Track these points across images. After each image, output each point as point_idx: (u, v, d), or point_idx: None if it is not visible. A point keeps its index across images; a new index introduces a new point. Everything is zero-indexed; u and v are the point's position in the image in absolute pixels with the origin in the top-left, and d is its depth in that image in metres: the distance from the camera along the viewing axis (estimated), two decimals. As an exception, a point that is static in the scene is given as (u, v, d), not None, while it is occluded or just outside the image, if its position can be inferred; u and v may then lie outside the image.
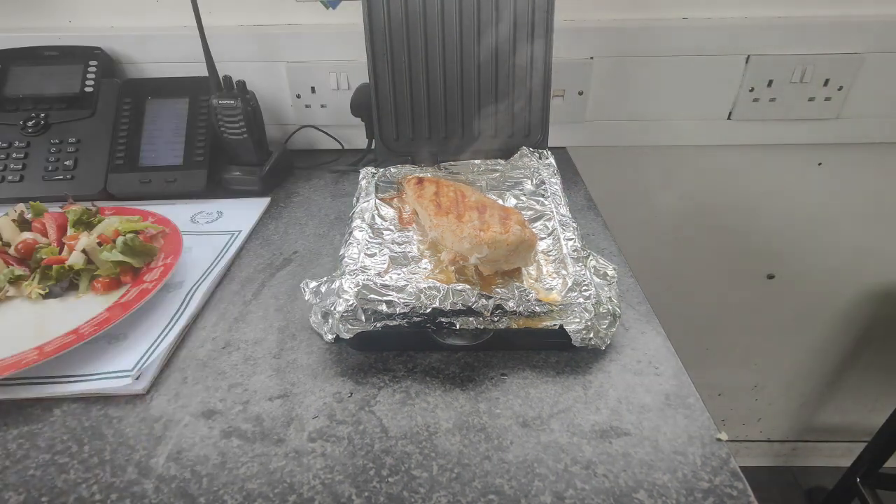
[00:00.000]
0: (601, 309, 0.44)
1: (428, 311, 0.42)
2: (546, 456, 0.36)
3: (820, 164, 0.90)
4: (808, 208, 0.96)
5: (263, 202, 0.71)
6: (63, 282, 0.52)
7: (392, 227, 0.55)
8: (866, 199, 0.94)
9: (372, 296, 0.43)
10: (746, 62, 0.79)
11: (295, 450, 0.37)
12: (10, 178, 0.71)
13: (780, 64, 0.79)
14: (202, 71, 0.68)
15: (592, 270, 0.48)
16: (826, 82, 0.80)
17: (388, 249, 0.51)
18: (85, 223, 0.59)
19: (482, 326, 0.43)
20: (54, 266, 0.52)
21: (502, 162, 0.68)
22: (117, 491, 0.35)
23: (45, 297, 0.52)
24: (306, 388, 0.42)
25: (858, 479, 1.13)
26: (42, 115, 0.74)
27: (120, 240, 0.53)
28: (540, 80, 0.68)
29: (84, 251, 0.53)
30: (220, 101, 0.69)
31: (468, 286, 0.43)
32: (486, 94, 0.69)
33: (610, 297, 0.46)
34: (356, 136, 0.84)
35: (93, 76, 0.76)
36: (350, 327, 0.42)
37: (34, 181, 0.71)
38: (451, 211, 0.50)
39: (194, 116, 0.74)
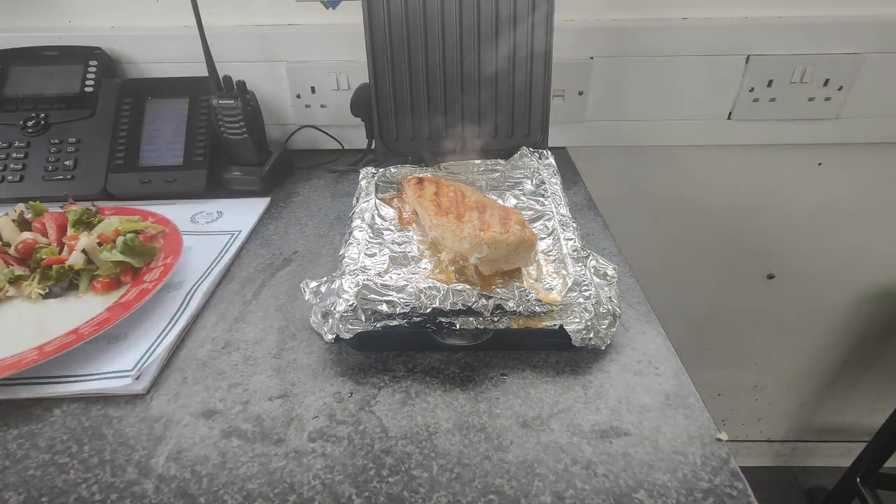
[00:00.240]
0: (601, 309, 0.44)
1: (428, 311, 0.42)
2: (546, 456, 0.36)
3: (820, 164, 0.90)
4: (808, 208, 0.96)
5: (263, 202, 0.71)
6: (63, 282, 0.52)
7: (392, 227, 0.55)
8: (866, 199, 0.94)
9: (372, 296, 0.43)
10: (746, 62, 0.79)
11: (295, 450, 0.37)
12: (10, 178, 0.71)
13: (780, 64, 0.79)
14: (202, 71, 0.68)
15: (592, 270, 0.48)
16: (826, 82, 0.80)
17: (388, 249, 0.51)
18: (85, 223, 0.59)
19: (482, 326, 0.43)
20: (54, 266, 0.52)
21: (502, 162, 0.68)
22: (117, 491, 0.35)
23: (45, 297, 0.52)
24: (306, 388, 0.42)
25: (858, 479, 1.13)
26: (42, 115, 0.74)
27: (120, 240, 0.53)
28: (540, 81, 0.68)
29: (84, 251, 0.53)
30: (220, 101, 0.69)
31: (468, 286, 0.43)
32: (486, 94, 0.69)
33: (610, 297, 0.46)
34: (356, 136, 0.84)
35: (93, 76, 0.76)
36: (350, 327, 0.42)
37: (34, 181, 0.71)
38: (451, 211, 0.50)
39: (194, 116, 0.74)
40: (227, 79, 0.70)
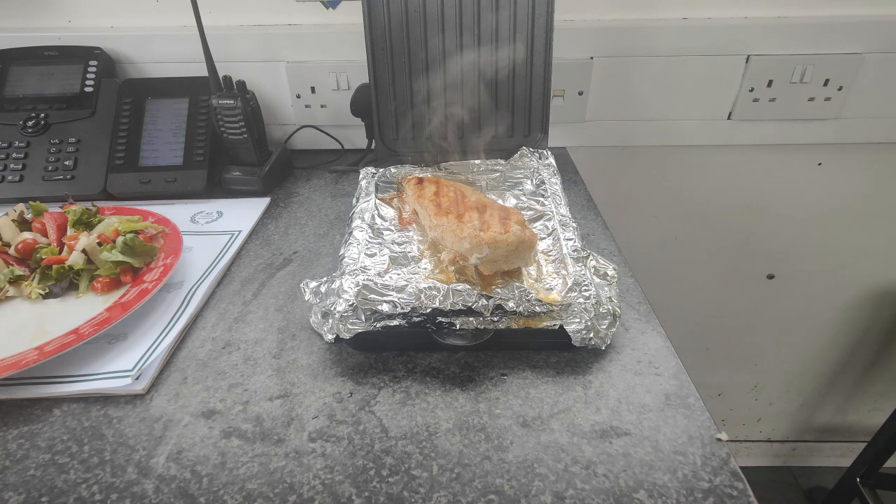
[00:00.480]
0: (601, 309, 0.44)
1: (428, 311, 0.42)
2: (546, 456, 0.36)
3: (820, 164, 0.90)
4: (808, 208, 0.96)
5: (263, 202, 0.71)
6: (63, 282, 0.52)
7: (392, 227, 0.55)
8: (866, 199, 0.94)
9: (372, 296, 0.43)
10: (746, 62, 0.79)
11: (295, 450, 0.37)
12: (10, 178, 0.71)
13: (780, 64, 0.79)
14: (202, 71, 0.68)
15: (592, 270, 0.48)
16: (826, 82, 0.80)
17: (388, 249, 0.51)
18: (85, 223, 0.59)
19: (482, 326, 0.43)
20: (54, 266, 0.52)
21: (502, 162, 0.68)
22: (117, 491, 0.35)
23: (45, 297, 0.52)
24: (306, 388, 0.42)
25: (858, 479, 1.14)
26: (42, 115, 0.74)
27: (120, 240, 0.53)
28: (540, 80, 0.68)
29: (84, 251, 0.53)
30: (220, 101, 0.69)
31: (468, 286, 0.43)
32: (485, 94, 0.69)
33: (610, 297, 0.46)
34: (356, 136, 0.85)
35: (93, 76, 0.76)
36: (350, 327, 0.42)
37: (34, 181, 0.71)
38: (451, 211, 0.50)
39: (194, 116, 0.74)
40: (227, 79, 0.70)
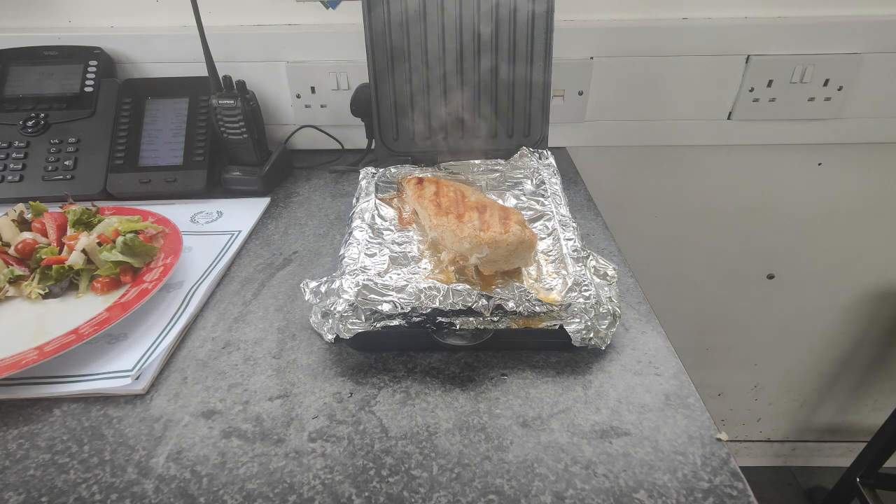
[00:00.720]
0: (601, 309, 0.44)
1: (428, 311, 0.42)
2: (546, 456, 0.36)
3: (820, 164, 0.90)
4: (808, 208, 0.96)
5: (263, 202, 0.71)
6: (63, 282, 0.52)
7: (392, 227, 0.55)
8: (866, 199, 0.94)
9: (372, 296, 0.43)
10: (746, 62, 0.79)
11: (295, 450, 0.37)
12: (9, 178, 0.71)
13: (780, 64, 0.79)
14: (202, 71, 0.68)
15: (592, 270, 0.48)
16: (826, 82, 0.80)
17: (388, 249, 0.51)
18: (85, 223, 0.59)
19: (482, 326, 0.43)
20: (54, 266, 0.52)
21: (502, 162, 0.68)
22: (117, 491, 0.35)
23: (45, 297, 0.52)
24: (306, 388, 0.42)
25: (858, 479, 1.14)
26: (42, 115, 0.74)
27: (120, 240, 0.53)
28: (540, 81, 0.68)
29: (84, 251, 0.53)
30: (220, 101, 0.69)
31: (468, 286, 0.43)
32: (485, 94, 0.69)
33: (610, 297, 0.46)
34: (356, 136, 0.84)
35: (93, 76, 0.76)
36: (350, 327, 0.42)
37: (34, 181, 0.71)
38: (451, 211, 0.50)
39: (194, 116, 0.74)
40: (227, 79, 0.70)
